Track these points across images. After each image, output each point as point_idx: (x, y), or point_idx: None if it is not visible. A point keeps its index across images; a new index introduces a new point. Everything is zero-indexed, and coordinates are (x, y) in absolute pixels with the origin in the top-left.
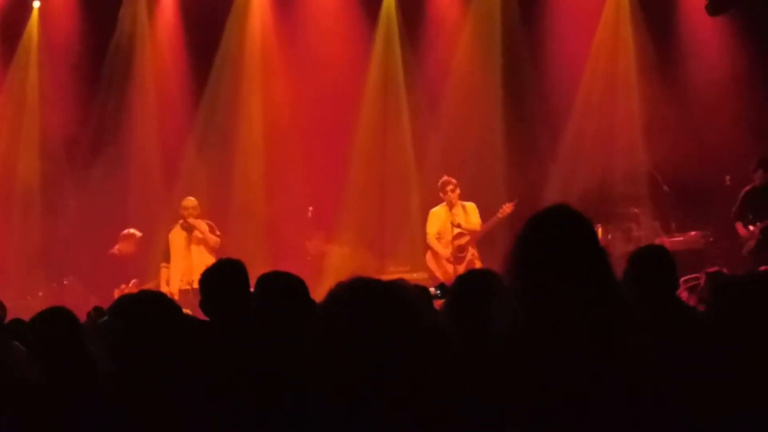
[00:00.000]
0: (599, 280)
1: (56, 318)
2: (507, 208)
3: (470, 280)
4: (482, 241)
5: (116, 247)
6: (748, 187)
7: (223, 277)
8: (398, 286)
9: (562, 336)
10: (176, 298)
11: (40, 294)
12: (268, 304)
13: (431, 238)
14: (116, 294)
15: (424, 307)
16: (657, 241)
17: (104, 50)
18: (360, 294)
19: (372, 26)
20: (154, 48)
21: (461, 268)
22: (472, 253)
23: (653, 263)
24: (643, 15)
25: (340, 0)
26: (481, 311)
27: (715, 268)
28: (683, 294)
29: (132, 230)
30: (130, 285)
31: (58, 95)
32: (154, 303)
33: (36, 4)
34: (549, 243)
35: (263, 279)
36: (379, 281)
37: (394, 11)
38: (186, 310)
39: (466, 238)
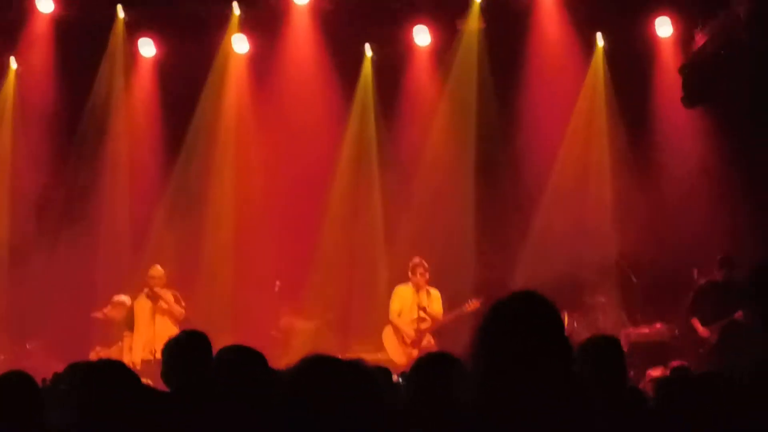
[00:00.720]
0: (559, 368)
1: (13, 383)
2: (473, 303)
3: (430, 363)
4: (440, 332)
5: (104, 310)
6: (704, 282)
7: (185, 349)
8: (360, 365)
9: (521, 421)
10: (138, 367)
11: (2, 357)
12: (226, 377)
13: (393, 315)
14: (92, 356)
15: (385, 386)
16: (622, 332)
17: (80, 112)
18: (324, 370)
19: (348, 99)
20: (129, 113)
21: (415, 353)
22: (428, 340)
23: (605, 352)
24: (618, 104)
25: (317, 75)
26: (441, 394)
27: (679, 363)
28: (648, 386)
29: (124, 297)
30: (98, 350)
31: (31, 156)
32: (113, 372)
33: (13, 65)
34: (512, 329)
35: (222, 352)
36: (341, 360)
37: (371, 87)
38: (147, 381)
39: (427, 324)
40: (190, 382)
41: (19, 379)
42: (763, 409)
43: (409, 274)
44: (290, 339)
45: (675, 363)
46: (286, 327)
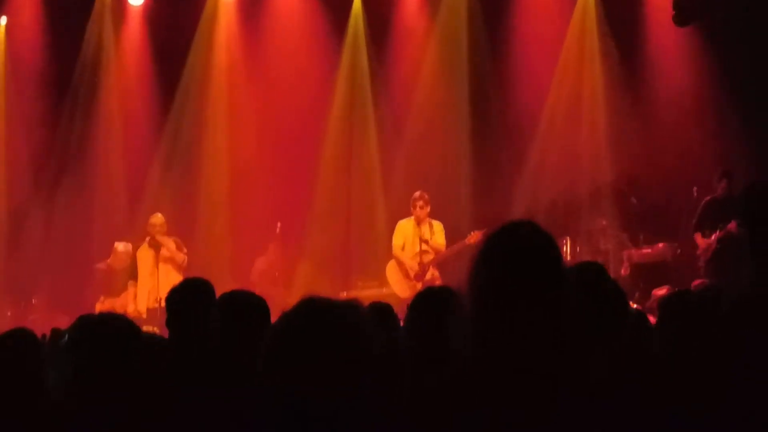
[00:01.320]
0: (556, 298)
1: (16, 340)
2: (475, 235)
3: (429, 298)
4: (444, 266)
5: (107, 261)
6: (708, 198)
7: (188, 296)
8: (350, 307)
9: (517, 357)
10: (144, 316)
11: (9, 314)
12: (229, 323)
13: (397, 250)
14: (98, 307)
15: (377, 329)
16: (624, 253)
17: (71, 67)
18: (308, 316)
19: (339, 41)
20: (120, 65)
21: (419, 286)
22: (432, 273)
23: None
24: (609, 29)
25: (306, 16)
26: (440, 330)
27: (700, 281)
28: (653, 305)
29: (123, 244)
30: (103, 300)
31: (24, 114)
32: (114, 324)
33: (2, 21)
34: (507, 259)
35: (224, 298)
36: (330, 302)
37: (362, 25)
38: (153, 328)
39: (430, 257)
40: (192, 329)
41: (21, 336)
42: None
43: (411, 208)
44: (291, 280)
45: (696, 282)
46: (263, 266)
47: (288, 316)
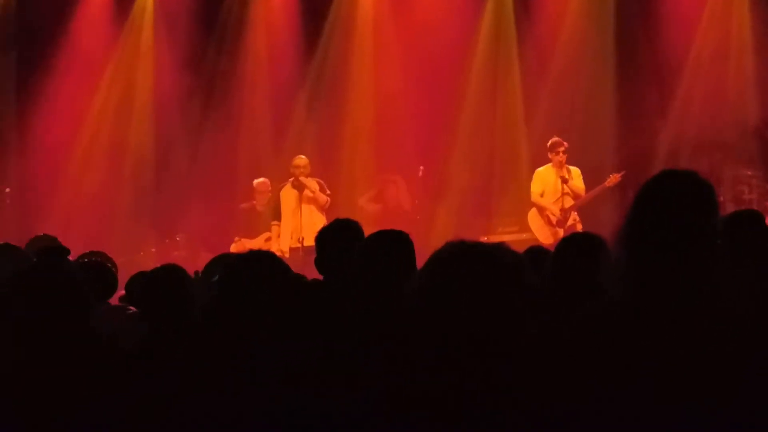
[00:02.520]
0: (707, 248)
1: (168, 276)
2: (614, 178)
3: (575, 242)
4: (584, 210)
5: (252, 201)
6: None
7: (338, 236)
8: (501, 250)
9: (671, 304)
10: (287, 255)
11: (153, 250)
12: (374, 263)
13: (536, 197)
14: (232, 247)
15: (527, 273)
16: None
17: (218, 7)
18: (461, 258)
19: None
20: (267, 4)
21: (561, 233)
22: (573, 217)
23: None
24: None
25: None
26: (586, 275)
27: None
28: None
29: (261, 180)
30: (237, 240)
31: (171, 55)
32: (265, 262)
33: None
34: (664, 209)
35: (370, 238)
36: (481, 245)
37: None
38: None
39: (570, 202)
40: (342, 269)
41: (173, 272)
42: None
43: (548, 153)
44: (431, 222)
45: None
46: (367, 207)
47: (440, 258)
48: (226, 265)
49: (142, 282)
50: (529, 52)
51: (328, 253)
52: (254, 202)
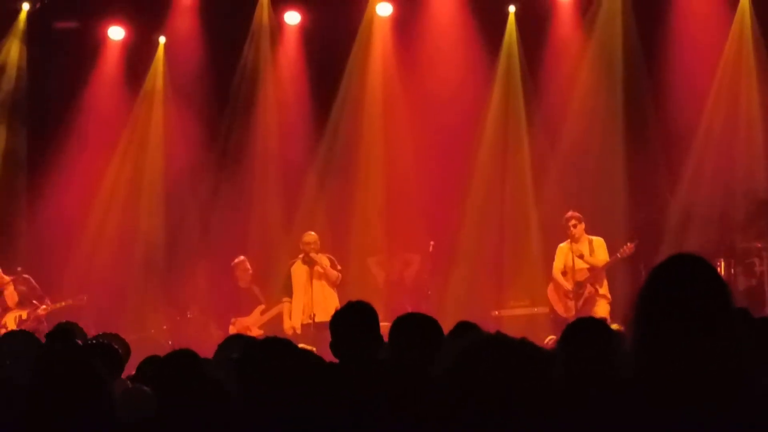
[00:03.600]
0: (723, 329)
1: (180, 361)
2: (628, 248)
3: (580, 331)
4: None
5: (237, 280)
6: None
7: (353, 319)
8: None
9: (685, 387)
10: (299, 332)
11: (164, 327)
12: (402, 345)
13: (557, 273)
14: (231, 329)
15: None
16: None
17: (228, 83)
18: (494, 356)
19: (494, 55)
20: (277, 81)
21: (579, 304)
22: (589, 290)
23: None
24: (766, 43)
25: (461, 30)
26: (594, 366)
27: None
28: None
29: (236, 259)
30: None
31: (182, 131)
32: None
33: (162, 40)
34: (673, 293)
35: (398, 322)
36: (508, 342)
37: (516, 42)
38: (305, 345)
39: (585, 275)
40: (358, 351)
41: (185, 357)
42: None
43: (567, 229)
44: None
45: None
46: (375, 269)
47: (473, 354)
48: (247, 346)
49: (155, 362)
50: (539, 126)
51: (343, 336)
52: (237, 281)
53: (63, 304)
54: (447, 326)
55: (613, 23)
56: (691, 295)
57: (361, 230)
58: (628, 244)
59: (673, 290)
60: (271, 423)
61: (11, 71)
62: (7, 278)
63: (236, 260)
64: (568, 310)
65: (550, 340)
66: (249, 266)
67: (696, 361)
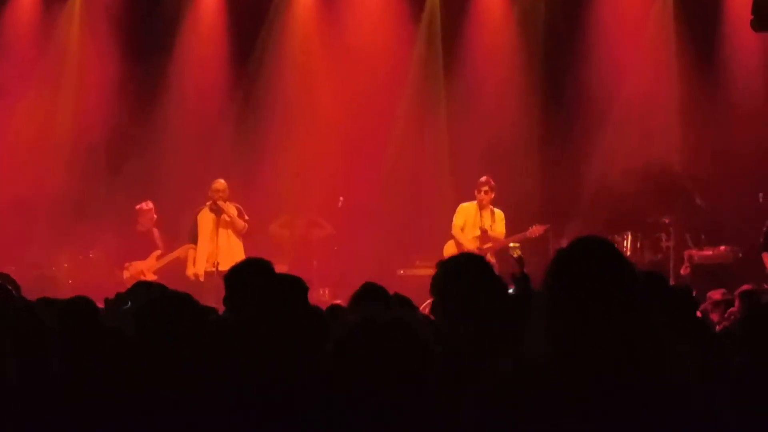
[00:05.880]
0: (630, 308)
1: (76, 308)
2: (537, 229)
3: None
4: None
5: (137, 224)
6: None
7: (247, 276)
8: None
9: (597, 364)
10: (201, 279)
11: (66, 266)
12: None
13: (456, 230)
14: (125, 274)
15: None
16: (685, 253)
17: (147, 34)
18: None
19: (416, 19)
20: (197, 31)
21: None
22: (489, 260)
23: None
24: (688, 26)
25: None
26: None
27: (748, 287)
28: (709, 308)
29: (143, 204)
30: (135, 263)
31: (97, 77)
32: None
33: None
34: (577, 276)
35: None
36: (388, 321)
37: (438, 5)
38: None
39: (489, 245)
40: (249, 308)
41: (81, 304)
42: None
43: (475, 191)
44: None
45: (745, 287)
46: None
47: (348, 336)
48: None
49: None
50: (457, 89)
51: (237, 292)
52: (137, 226)
53: None
54: (355, 284)
55: None
56: (595, 277)
57: (273, 183)
58: (538, 225)
59: (577, 273)
60: (167, 373)
61: None
62: None
63: (142, 205)
64: None
65: (427, 305)
66: (154, 213)
67: (605, 340)
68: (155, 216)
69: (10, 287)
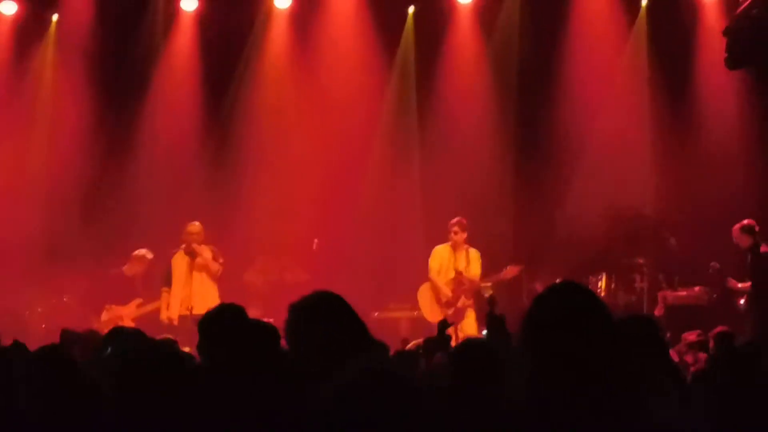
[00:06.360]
0: (606, 351)
1: (53, 356)
2: (512, 270)
3: (469, 353)
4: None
5: (125, 266)
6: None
7: (220, 323)
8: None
9: (574, 406)
10: (176, 323)
11: (39, 310)
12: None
13: (433, 273)
14: (103, 315)
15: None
16: (659, 294)
17: (119, 69)
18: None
19: (390, 56)
20: (170, 69)
21: (450, 313)
22: (464, 301)
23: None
24: (661, 65)
25: (359, 29)
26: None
27: (721, 328)
28: (683, 349)
29: (144, 251)
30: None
31: (69, 116)
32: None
33: (54, 17)
34: (555, 325)
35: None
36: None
37: (412, 41)
38: (183, 337)
39: (465, 287)
40: (222, 356)
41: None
42: None
43: (448, 233)
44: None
45: (719, 329)
46: (251, 280)
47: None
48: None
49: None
50: (431, 128)
51: (210, 339)
52: (124, 268)
53: None
54: None
55: (510, 29)
56: (571, 322)
57: (248, 227)
58: (512, 266)
59: (553, 318)
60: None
61: None
62: None
63: (144, 252)
64: (435, 317)
65: (412, 344)
66: (152, 266)
67: (583, 383)
68: (148, 268)
69: None
